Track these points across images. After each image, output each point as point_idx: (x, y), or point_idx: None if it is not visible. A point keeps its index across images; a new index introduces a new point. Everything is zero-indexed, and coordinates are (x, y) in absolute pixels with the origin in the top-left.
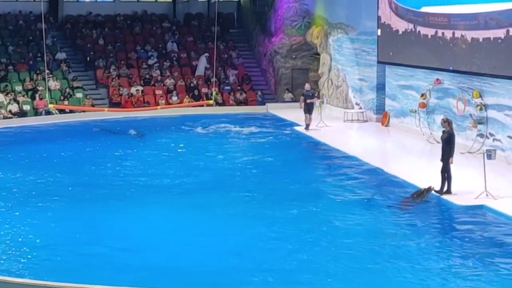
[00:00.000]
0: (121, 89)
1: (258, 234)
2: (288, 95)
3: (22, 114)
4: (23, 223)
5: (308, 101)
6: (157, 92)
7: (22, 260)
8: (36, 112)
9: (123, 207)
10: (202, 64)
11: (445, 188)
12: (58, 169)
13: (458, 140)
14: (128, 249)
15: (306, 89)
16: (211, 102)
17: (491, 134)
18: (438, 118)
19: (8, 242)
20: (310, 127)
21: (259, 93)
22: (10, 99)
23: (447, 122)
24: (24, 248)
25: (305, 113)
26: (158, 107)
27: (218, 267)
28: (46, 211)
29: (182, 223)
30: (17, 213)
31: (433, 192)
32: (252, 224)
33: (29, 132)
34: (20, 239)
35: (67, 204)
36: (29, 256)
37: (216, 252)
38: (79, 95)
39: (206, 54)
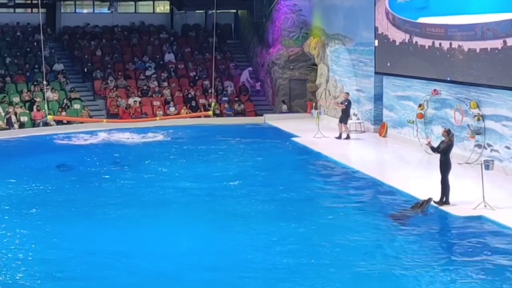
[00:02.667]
0: (119, 100)
1: (257, 248)
2: (283, 107)
3: (19, 125)
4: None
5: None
6: (154, 103)
7: None
8: (33, 124)
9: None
10: (244, 76)
11: (444, 199)
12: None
13: (456, 150)
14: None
15: (344, 98)
16: (209, 113)
17: (489, 145)
18: (436, 128)
19: None
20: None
21: (226, 105)
22: (7, 111)
23: (446, 132)
24: None
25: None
26: (157, 118)
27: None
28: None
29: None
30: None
31: (432, 203)
32: (249, 238)
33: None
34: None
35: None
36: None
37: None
38: (76, 106)
39: (250, 68)
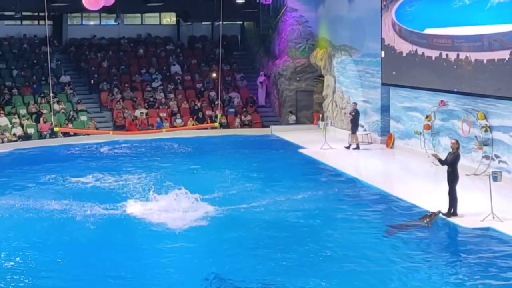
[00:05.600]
0: (125, 112)
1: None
2: (291, 118)
3: (26, 137)
4: None
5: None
6: (161, 114)
7: None
8: (40, 135)
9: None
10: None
11: (452, 211)
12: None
13: (464, 161)
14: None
15: (353, 108)
16: (215, 124)
17: (497, 156)
18: (443, 140)
19: None
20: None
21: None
22: (14, 122)
23: (457, 144)
24: None
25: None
26: (163, 129)
27: None
28: None
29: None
30: None
31: (440, 215)
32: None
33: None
34: None
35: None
36: None
37: None
38: (83, 118)
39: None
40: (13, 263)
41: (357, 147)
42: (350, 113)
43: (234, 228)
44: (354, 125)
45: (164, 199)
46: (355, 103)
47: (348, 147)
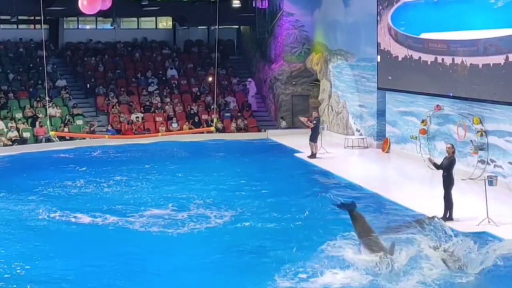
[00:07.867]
0: (121, 116)
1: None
2: (282, 123)
3: (22, 141)
4: None
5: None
6: (157, 119)
7: None
8: (36, 140)
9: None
10: (252, 91)
11: (447, 215)
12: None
13: (459, 166)
14: None
15: (314, 116)
16: (212, 129)
17: (492, 161)
18: (439, 144)
19: None
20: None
21: (109, 127)
22: (10, 126)
23: (452, 149)
24: None
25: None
26: (159, 134)
27: None
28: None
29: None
30: None
31: (436, 219)
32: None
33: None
34: None
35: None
36: None
37: None
38: (79, 122)
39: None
40: (19, 270)
41: (313, 156)
42: (311, 121)
43: (232, 234)
44: (316, 133)
45: (159, 204)
46: (317, 111)
47: (314, 156)
